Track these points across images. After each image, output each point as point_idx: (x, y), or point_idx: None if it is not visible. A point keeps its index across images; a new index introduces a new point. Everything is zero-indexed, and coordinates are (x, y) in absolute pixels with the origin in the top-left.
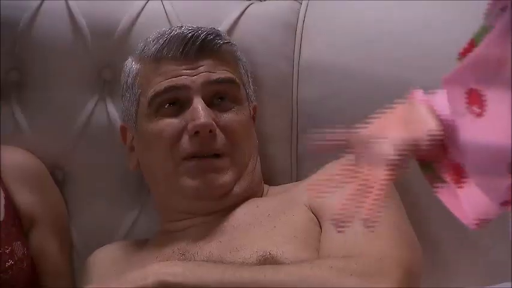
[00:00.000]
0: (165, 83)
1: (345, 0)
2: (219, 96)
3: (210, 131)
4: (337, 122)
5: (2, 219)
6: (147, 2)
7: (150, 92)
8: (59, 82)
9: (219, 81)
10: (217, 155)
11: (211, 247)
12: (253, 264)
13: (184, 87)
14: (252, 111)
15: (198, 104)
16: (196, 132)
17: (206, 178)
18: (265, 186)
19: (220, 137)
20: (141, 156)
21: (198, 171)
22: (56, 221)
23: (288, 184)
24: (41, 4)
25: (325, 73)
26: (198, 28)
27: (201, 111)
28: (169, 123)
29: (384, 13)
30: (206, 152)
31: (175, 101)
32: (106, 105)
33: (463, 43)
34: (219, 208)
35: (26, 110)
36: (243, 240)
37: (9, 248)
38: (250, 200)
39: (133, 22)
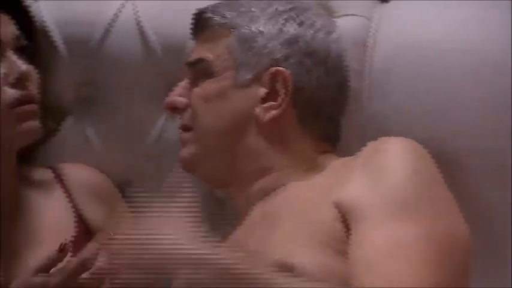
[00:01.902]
0: None
1: (415, 16)
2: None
3: (172, 109)
4: (407, 137)
5: (74, 235)
6: None
7: None
8: (130, 98)
9: (188, 65)
10: (184, 130)
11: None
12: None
13: None
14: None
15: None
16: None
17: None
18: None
19: (187, 112)
20: None
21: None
22: None
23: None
24: (112, 21)
25: (396, 88)
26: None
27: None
28: None
29: (452, 28)
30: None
31: None
32: (176, 122)
33: None
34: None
35: (96, 125)
36: (269, 237)
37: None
38: (287, 187)
39: None
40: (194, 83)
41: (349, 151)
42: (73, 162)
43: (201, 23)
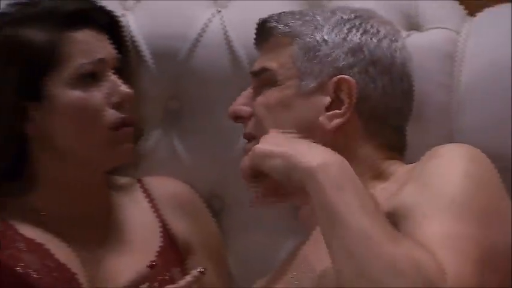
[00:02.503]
0: None
1: (503, 30)
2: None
3: (236, 118)
4: (500, 152)
5: (160, 246)
6: None
7: None
8: (218, 111)
9: (253, 74)
10: (248, 139)
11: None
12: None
13: None
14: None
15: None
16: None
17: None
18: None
19: (251, 121)
20: None
21: None
22: (212, 249)
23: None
24: (200, 34)
25: (486, 102)
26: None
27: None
28: None
29: None
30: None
31: None
32: None
33: None
34: None
35: (184, 138)
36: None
37: (169, 274)
38: None
39: None
40: (258, 92)
41: None
42: (160, 175)
43: (264, 32)
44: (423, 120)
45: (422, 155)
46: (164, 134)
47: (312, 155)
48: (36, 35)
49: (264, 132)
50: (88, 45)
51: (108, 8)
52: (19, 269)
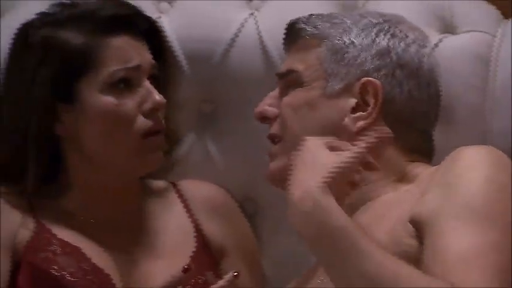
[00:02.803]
0: None
1: None
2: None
3: (263, 118)
4: None
5: (194, 249)
6: None
7: None
8: (251, 113)
9: (279, 76)
10: (273, 141)
11: None
12: None
13: None
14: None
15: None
16: None
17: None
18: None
19: (277, 122)
20: None
21: None
22: (246, 252)
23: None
24: (234, 37)
25: None
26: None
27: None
28: None
29: None
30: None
31: None
32: None
33: None
34: None
35: (218, 140)
36: None
37: (202, 277)
38: (376, 201)
39: None
40: (284, 93)
41: None
42: (194, 178)
43: (293, 33)
44: (456, 123)
45: None
46: (198, 137)
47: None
48: (73, 37)
49: (289, 133)
50: (124, 52)
51: (146, 13)
52: (54, 272)
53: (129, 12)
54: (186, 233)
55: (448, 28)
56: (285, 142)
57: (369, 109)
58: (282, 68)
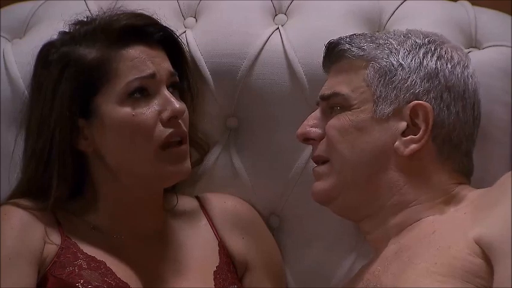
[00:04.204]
0: None
1: None
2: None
3: (306, 140)
4: None
5: (217, 265)
6: None
7: None
8: (276, 128)
9: (322, 98)
10: (317, 162)
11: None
12: None
13: None
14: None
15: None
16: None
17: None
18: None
19: (322, 144)
20: None
21: None
22: (270, 266)
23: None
24: (259, 52)
25: None
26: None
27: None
28: None
29: None
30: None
31: None
32: None
33: None
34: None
35: (243, 155)
36: (403, 274)
37: None
38: (423, 221)
39: None
40: (327, 114)
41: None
42: (220, 192)
43: (335, 54)
44: (484, 139)
45: (484, 174)
46: (223, 152)
47: None
48: (88, 53)
49: (338, 155)
50: (138, 62)
51: (165, 24)
52: (79, 285)
53: (142, 22)
54: (209, 248)
55: (473, 43)
56: (332, 164)
57: (421, 132)
58: (326, 90)
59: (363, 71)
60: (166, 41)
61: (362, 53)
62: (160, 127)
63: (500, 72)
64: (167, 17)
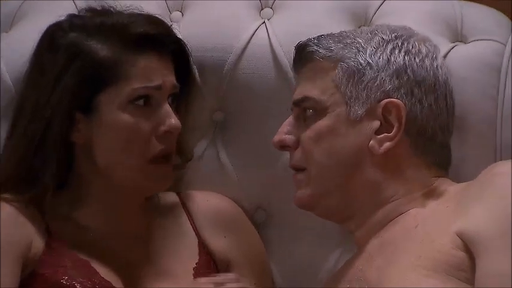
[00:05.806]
0: None
1: None
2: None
3: (282, 147)
4: None
5: (196, 262)
6: None
7: None
8: (263, 122)
9: (294, 103)
10: (295, 169)
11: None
12: None
13: None
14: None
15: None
16: None
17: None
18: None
19: (298, 152)
20: None
21: None
22: (254, 264)
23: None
24: (246, 46)
25: None
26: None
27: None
28: None
29: None
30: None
31: None
32: None
33: None
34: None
35: (229, 149)
36: (387, 268)
37: None
38: (405, 216)
39: None
40: (300, 118)
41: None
42: (205, 187)
43: (304, 56)
44: (468, 132)
45: (466, 166)
46: (209, 146)
47: None
48: (101, 49)
49: (314, 163)
50: (148, 71)
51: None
52: (64, 281)
53: (159, 31)
54: (189, 246)
55: (459, 37)
56: (309, 171)
57: (394, 130)
58: (297, 94)
59: (332, 72)
60: (176, 53)
61: (330, 54)
62: (154, 141)
63: (485, 67)
64: (153, 12)
